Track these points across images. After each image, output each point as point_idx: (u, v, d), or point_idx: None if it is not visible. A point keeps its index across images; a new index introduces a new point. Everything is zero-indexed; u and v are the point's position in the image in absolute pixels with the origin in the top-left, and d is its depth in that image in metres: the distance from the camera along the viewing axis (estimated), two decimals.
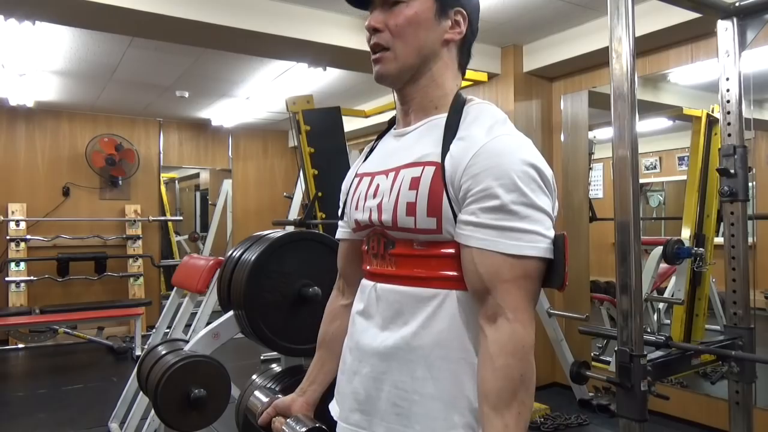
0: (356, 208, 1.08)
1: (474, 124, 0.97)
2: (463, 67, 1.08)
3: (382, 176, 1.04)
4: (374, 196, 1.03)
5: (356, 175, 1.13)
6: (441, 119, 1.00)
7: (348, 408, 1.06)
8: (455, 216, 0.92)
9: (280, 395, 1.28)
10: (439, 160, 0.94)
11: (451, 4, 1.01)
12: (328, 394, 1.19)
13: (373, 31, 1.02)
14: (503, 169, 0.89)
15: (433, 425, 0.94)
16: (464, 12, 1.03)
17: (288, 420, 1.17)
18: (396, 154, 1.04)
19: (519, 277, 0.89)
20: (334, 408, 1.12)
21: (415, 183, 0.96)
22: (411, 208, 0.95)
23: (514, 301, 0.89)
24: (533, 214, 0.89)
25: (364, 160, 1.15)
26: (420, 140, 1.01)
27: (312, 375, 1.23)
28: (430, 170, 0.95)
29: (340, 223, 1.19)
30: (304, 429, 1.10)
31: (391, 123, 1.14)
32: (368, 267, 1.08)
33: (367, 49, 1.06)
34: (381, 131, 1.16)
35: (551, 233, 0.91)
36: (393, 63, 1.01)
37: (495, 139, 0.93)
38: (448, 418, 0.94)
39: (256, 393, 1.34)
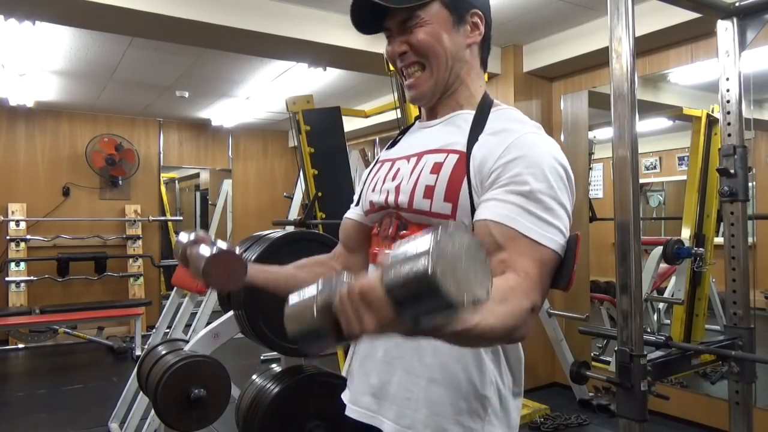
0: (373, 190, 1.09)
1: (506, 121, 0.99)
2: (485, 62, 1.09)
3: (404, 161, 1.06)
4: (393, 178, 1.05)
5: (378, 162, 1.15)
6: (468, 114, 1.03)
7: (359, 391, 1.07)
8: (473, 209, 0.92)
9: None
10: (464, 150, 0.96)
11: (465, 8, 1.02)
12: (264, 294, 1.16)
13: (399, 56, 1.03)
14: (534, 160, 0.90)
15: (441, 410, 0.96)
16: (479, 12, 1.03)
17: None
18: (420, 142, 1.06)
19: (535, 258, 0.86)
20: (345, 395, 1.13)
21: (437, 168, 0.97)
22: (429, 191, 0.96)
23: (527, 266, 0.84)
24: (557, 209, 0.89)
25: (388, 149, 1.17)
26: (446, 129, 1.03)
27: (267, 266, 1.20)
28: (453, 157, 0.96)
29: (352, 206, 1.20)
30: (222, 246, 1.03)
31: (415, 119, 1.16)
32: (376, 250, 1.08)
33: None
34: (403, 128, 1.19)
35: (567, 233, 0.91)
36: (429, 82, 1.02)
37: (528, 134, 0.94)
38: (455, 403, 0.96)
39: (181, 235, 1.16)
